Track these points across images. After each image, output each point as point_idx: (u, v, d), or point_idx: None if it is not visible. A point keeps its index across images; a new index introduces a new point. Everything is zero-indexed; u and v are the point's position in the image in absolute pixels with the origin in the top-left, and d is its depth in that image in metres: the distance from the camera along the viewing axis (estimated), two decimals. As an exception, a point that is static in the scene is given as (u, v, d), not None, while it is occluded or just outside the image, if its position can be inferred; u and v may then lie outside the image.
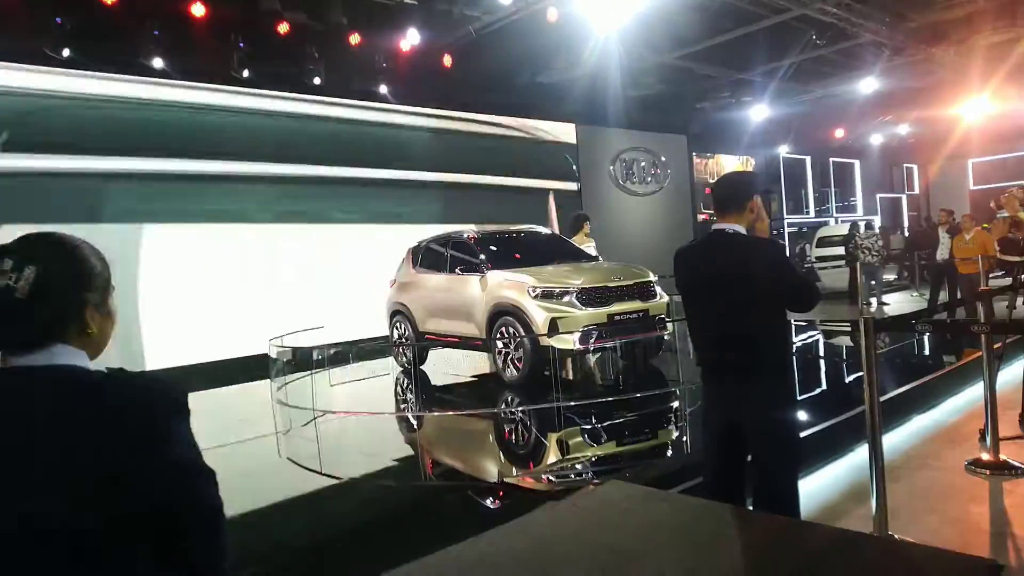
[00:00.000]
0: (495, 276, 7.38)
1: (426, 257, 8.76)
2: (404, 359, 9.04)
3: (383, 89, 11.46)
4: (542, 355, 6.91)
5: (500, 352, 7.28)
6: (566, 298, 6.85)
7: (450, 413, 6.91)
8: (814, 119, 18.53)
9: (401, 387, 8.44)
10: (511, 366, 7.18)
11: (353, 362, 9.64)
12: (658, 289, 7.37)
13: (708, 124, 17.12)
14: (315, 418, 6.68)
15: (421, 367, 8.91)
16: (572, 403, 6.37)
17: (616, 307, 6.94)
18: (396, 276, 9.24)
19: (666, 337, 7.48)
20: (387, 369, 9.43)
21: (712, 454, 2.91)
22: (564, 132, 14.68)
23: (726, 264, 2.75)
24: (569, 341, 6.75)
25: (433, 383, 8.52)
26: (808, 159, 22.20)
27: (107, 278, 1.25)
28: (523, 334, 6.94)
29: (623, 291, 7.06)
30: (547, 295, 6.89)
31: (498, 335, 7.25)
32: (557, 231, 9.08)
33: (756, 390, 2.70)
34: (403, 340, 8.99)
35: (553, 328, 6.78)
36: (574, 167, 14.58)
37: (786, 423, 2.75)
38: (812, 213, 22.38)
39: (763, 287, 2.65)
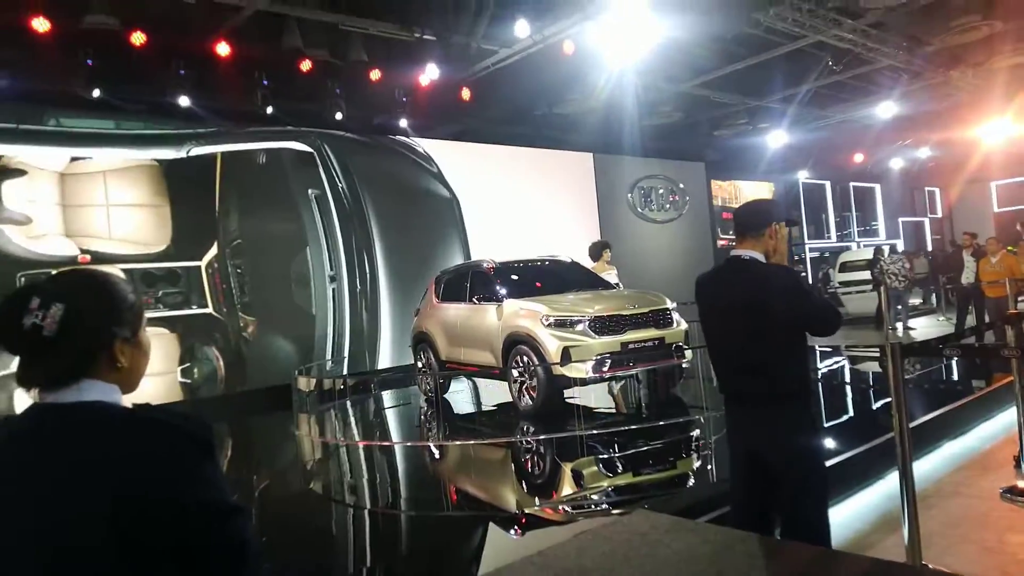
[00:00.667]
0: (511, 305, 7.44)
1: (448, 287, 8.87)
2: (427, 387, 9.09)
3: (403, 123, 11.65)
4: (556, 384, 6.95)
5: (515, 381, 7.32)
6: (579, 327, 6.89)
7: (472, 442, 6.91)
8: (833, 144, 18.49)
9: (425, 416, 8.49)
10: (526, 395, 7.24)
11: (376, 391, 9.67)
12: (675, 316, 7.37)
13: (726, 151, 17.15)
14: (338, 448, 6.68)
15: (445, 396, 8.94)
16: (594, 431, 6.34)
17: (630, 335, 6.95)
18: (420, 306, 9.38)
19: (685, 365, 7.44)
20: (409, 397, 9.46)
21: (738, 483, 2.88)
22: (578, 162, 14.78)
23: (742, 291, 2.76)
24: (582, 370, 6.77)
25: (457, 411, 8.54)
26: (828, 184, 22.11)
27: (139, 310, 1.25)
28: (536, 363, 6.97)
29: (638, 319, 7.05)
30: (560, 324, 6.92)
31: (514, 364, 7.30)
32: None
33: (777, 418, 2.68)
34: (426, 369, 9.03)
35: (566, 357, 6.80)
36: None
37: (810, 450, 2.73)
38: (834, 238, 22.22)
39: (779, 314, 2.65)
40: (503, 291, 7.73)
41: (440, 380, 8.80)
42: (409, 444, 7.11)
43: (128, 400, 1.20)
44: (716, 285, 2.91)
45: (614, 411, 7.98)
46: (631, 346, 6.92)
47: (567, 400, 7.21)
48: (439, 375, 8.41)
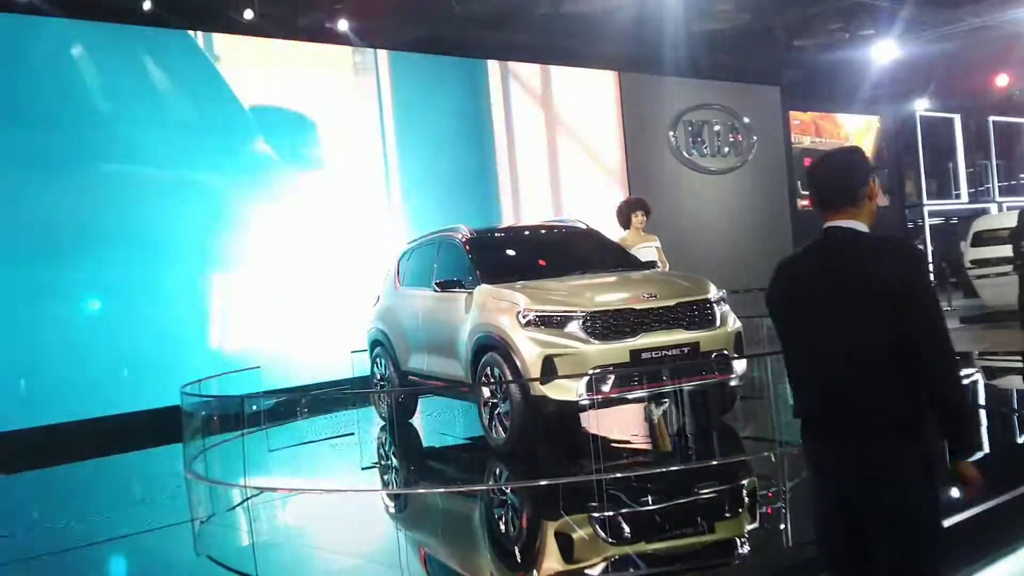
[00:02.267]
0: (483, 294, 7.40)
1: (413, 267, 8.89)
2: (384, 410, 9.18)
3: (342, 25, 11.59)
4: (536, 409, 6.84)
5: (486, 404, 7.28)
6: (570, 326, 6.78)
7: (440, 491, 6.90)
8: (966, 61, 18.51)
9: (383, 449, 8.49)
10: (498, 424, 7.20)
11: (305, 416, 9.70)
12: (721, 312, 7.21)
13: (811, 70, 17.16)
14: (247, 499, 6.71)
15: (410, 420, 9.05)
16: (618, 475, 6.38)
17: (645, 339, 6.79)
18: (380, 292, 9.45)
19: (734, 383, 7.25)
20: (354, 425, 9.50)
21: (824, 545, 2.92)
22: (598, 84, 14.78)
23: (847, 277, 2.77)
24: (571, 390, 6.64)
25: (428, 443, 8.65)
26: (957, 118, 22.19)
27: None
28: (508, 378, 6.90)
29: (659, 315, 6.90)
30: (543, 322, 6.84)
31: (484, 378, 7.26)
32: None
33: (878, 456, 2.71)
34: (382, 383, 9.11)
35: (548, 370, 6.68)
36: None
37: (921, 502, 2.75)
38: (964, 197, 22.34)
39: (893, 310, 2.66)
40: (481, 273, 7.64)
41: (399, 399, 8.83)
42: (350, 491, 7.12)
43: None
44: (806, 269, 2.92)
45: (643, 445, 8.04)
46: (645, 355, 6.79)
47: (581, 429, 7.23)
48: (395, 393, 8.43)
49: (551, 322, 6.83)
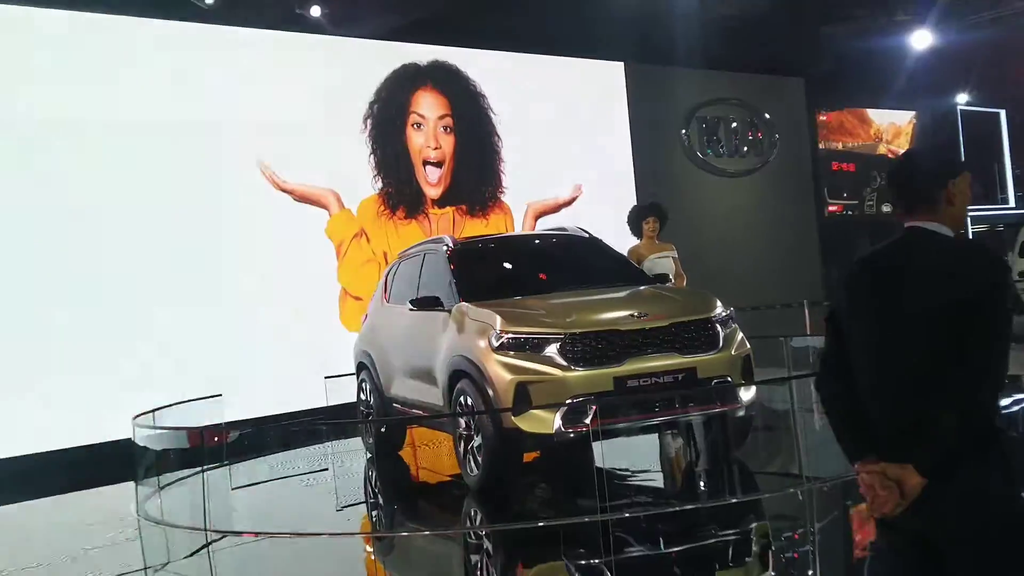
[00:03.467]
0: (459, 312, 7.46)
1: (399, 282, 8.95)
2: (369, 442, 9.25)
3: (314, 11, 11.61)
4: (513, 444, 6.88)
5: (460, 436, 7.31)
6: (548, 350, 6.79)
7: (428, 534, 6.88)
8: (1013, 49, 18.59)
9: (371, 485, 8.56)
10: (471, 459, 7.20)
11: (273, 450, 9.68)
12: (724, 333, 7.15)
13: (840, 60, 17.20)
14: (208, 543, 6.68)
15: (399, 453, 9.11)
16: (626, 514, 6.36)
17: (632, 365, 6.76)
18: (369, 310, 9.58)
19: (740, 413, 7.19)
20: (329, 459, 9.51)
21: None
22: (603, 76, 14.81)
23: (928, 285, 2.78)
24: (546, 422, 6.64)
25: (416, 479, 8.71)
26: (1003, 113, 22.27)
27: None
28: (481, 407, 6.93)
29: (649, 338, 6.87)
30: (518, 345, 6.85)
31: (459, 408, 7.29)
32: None
33: (958, 486, 2.70)
34: (368, 411, 9.19)
35: (521, 399, 6.69)
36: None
37: (1008, 536, 2.74)
38: (1011, 201, 22.41)
39: (961, 318, 2.68)
40: (461, 289, 7.70)
41: (382, 429, 8.85)
42: (324, 535, 7.08)
43: None
44: (881, 270, 2.93)
45: (652, 482, 8.02)
46: (632, 382, 6.74)
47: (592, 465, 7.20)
48: (375, 424, 8.42)
49: (527, 345, 6.84)
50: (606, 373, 6.72)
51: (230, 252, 11.17)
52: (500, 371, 6.80)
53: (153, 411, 8.13)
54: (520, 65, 13.88)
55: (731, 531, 6.25)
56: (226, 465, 8.50)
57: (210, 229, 11.02)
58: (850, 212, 19.11)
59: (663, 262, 8.98)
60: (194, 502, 6.96)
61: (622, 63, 14.94)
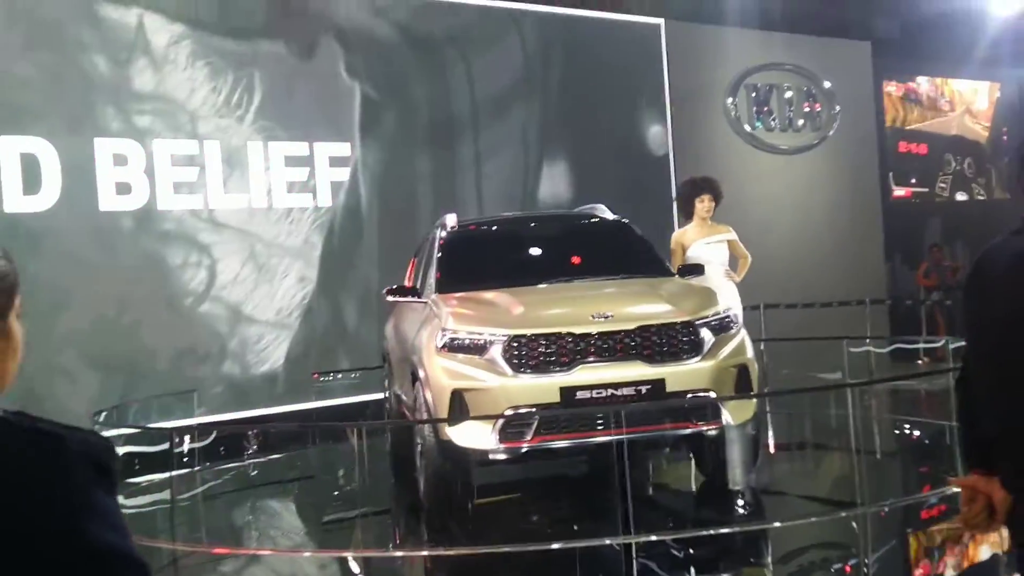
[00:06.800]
0: (430, 304, 7.62)
1: (418, 265, 9.17)
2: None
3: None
4: (453, 460, 7.00)
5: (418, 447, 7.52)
6: (488, 353, 6.80)
7: (426, 554, 6.90)
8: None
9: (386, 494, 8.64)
10: (422, 473, 7.39)
11: (252, 455, 9.73)
12: (712, 339, 6.97)
13: (911, 22, 17.09)
14: (174, 560, 6.71)
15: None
16: (653, 537, 6.35)
17: (584, 374, 6.71)
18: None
19: (712, 432, 6.98)
20: (317, 466, 9.52)
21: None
22: (638, 36, 14.75)
23: None
24: (481, 435, 6.65)
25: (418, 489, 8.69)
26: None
27: (11, 285, 1.56)
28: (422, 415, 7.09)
29: (609, 343, 6.80)
30: (461, 347, 6.89)
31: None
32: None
33: None
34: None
35: (458, 408, 6.72)
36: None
37: None
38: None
39: None
40: (442, 278, 7.83)
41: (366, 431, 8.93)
42: (308, 553, 7.16)
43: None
44: (1008, 261, 2.89)
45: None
46: (582, 394, 6.67)
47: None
48: (362, 426, 8.49)
49: (469, 347, 6.86)
50: (551, 383, 6.68)
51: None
52: (439, 376, 6.89)
53: (115, 407, 8.16)
54: (540, 21, 13.83)
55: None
56: (197, 471, 8.52)
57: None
58: (917, 201, 19.01)
59: (718, 248, 8.89)
60: (159, 513, 6.98)
61: (661, 20, 14.85)
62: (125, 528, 1.44)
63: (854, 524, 6.60)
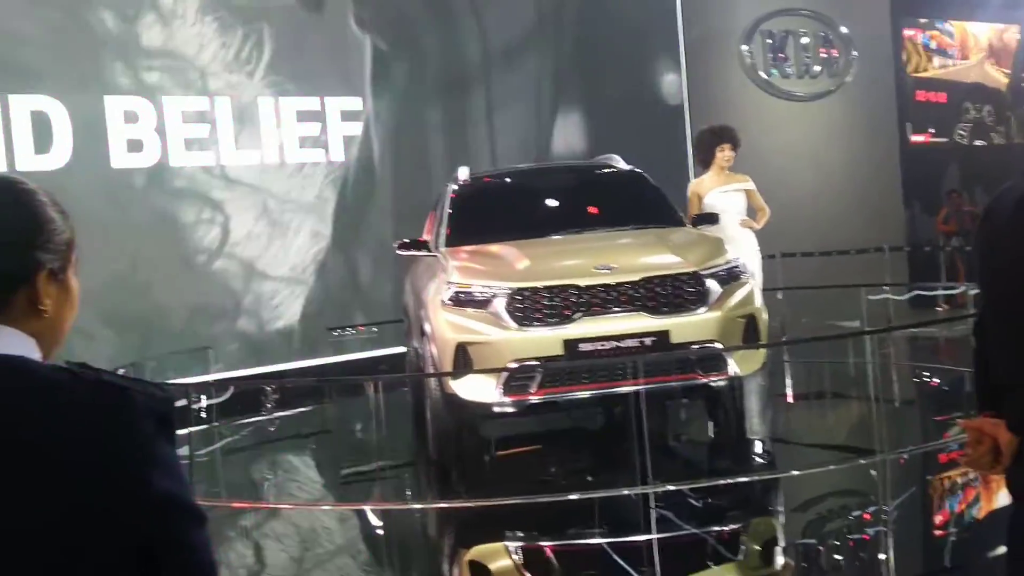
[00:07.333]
0: (440, 258, 7.64)
1: (436, 220, 9.17)
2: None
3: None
4: (457, 415, 7.07)
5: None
6: (492, 306, 6.82)
7: (445, 506, 6.94)
8: None
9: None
10: (430, 426, 7.48)
11: (269, 410, 9.78)
12: (719, 289, 6.93)
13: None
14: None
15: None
16: (671, 487, 6.39)
17: (586, 326, 6.74)
18: None
19: (718, 382, 7.04)
20: (334, 421, 9.55)
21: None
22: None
23: None
24: (485, 388, 6.73)
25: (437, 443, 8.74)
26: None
27: (69, 239, 1.58)
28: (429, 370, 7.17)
29: (613, 295, 6.81)
30: (465, 300, 6.93)
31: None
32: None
33: None
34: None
35: (462, 362, 6.78)
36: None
37: None
38: None
39: None
40: (452, 232, 7.87)
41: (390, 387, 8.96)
42: (326, 508, 7.20)
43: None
44: (1012, 220, 2.85)
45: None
46: (585, 346, 6.71)
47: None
48: (378, 379, 8.51)
49: (474, 300, 6.89)
50: (554, 336, 6.71)
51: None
52: (443, 329, 6.93)
53: (131, 364, 8.20)
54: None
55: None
56: (214, 427, 8.56)
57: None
58: (935, 146, 18.84)
59: (731, 196, 8.82)
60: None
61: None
62: (184, 478, 1.49)
63: (873, 472, 6.62)
